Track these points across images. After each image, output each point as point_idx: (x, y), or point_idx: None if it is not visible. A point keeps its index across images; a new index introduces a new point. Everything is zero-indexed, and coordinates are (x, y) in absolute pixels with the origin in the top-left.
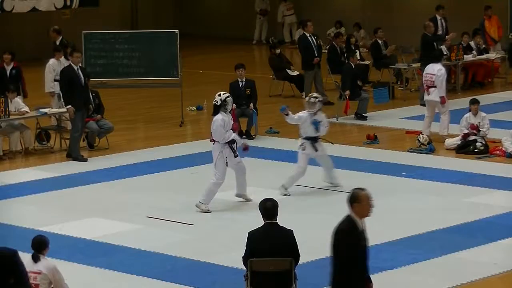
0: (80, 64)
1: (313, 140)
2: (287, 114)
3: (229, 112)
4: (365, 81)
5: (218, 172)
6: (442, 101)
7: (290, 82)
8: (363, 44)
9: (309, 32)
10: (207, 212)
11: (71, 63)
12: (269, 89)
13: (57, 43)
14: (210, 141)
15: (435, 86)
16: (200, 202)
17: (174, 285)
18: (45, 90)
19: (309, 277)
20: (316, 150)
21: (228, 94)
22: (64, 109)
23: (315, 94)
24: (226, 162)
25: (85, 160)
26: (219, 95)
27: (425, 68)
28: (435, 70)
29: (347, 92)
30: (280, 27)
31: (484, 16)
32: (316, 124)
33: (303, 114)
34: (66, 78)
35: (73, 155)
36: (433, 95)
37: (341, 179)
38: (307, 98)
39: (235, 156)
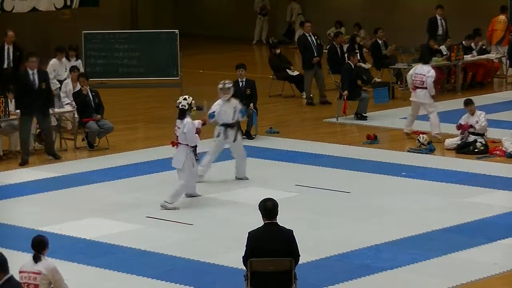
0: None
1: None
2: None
3: None
4: (368, 82)
5: (185, 175)
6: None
7: (290, 82)
8: (363, 44)
9: (307, 32)
10: (175, 209)
11: (27, 68)
12: (269, 89)
13: (10, 47)
14: (173, 145)
15: (424, 87)
16: (166, 202)
17: (174, 285)
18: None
19: (309, 277)
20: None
21: (191, 97)
22: (64, 109)
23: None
24: (193, 164)
25: (23, 164)
26: (185, 98)
27: (414, 68)
28: (425, 71)
29: (345, 93)
30: (279, 27)
31: (505, 16)
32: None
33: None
34: (19, 83)
35: (22, 156)
36: (421, 96)
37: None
38: (220, 85)
39: (196, 160)
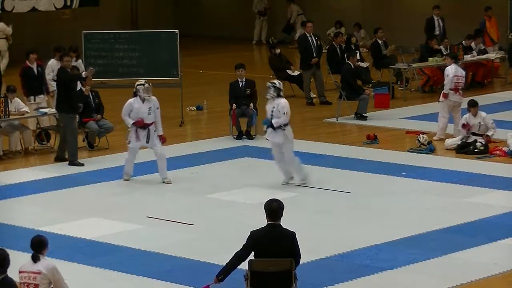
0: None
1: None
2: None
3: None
4: (368, 81)
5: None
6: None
7: (290, 82)
8: (363, 44)
9: (308, 32)
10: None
11: (64, 67)
12: None
13: None
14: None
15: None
16: None
17: (174, 285)
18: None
19: (309, 277)
20: None
21: (142, 82)
22: None
23: None
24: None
25: (82, 164)
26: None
27: (453, 70)
28: (463, 73)
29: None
30: (278, 27)
31: (484, 16)
32: None
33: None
34: (62, 81)
35: (72, 158)
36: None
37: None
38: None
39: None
